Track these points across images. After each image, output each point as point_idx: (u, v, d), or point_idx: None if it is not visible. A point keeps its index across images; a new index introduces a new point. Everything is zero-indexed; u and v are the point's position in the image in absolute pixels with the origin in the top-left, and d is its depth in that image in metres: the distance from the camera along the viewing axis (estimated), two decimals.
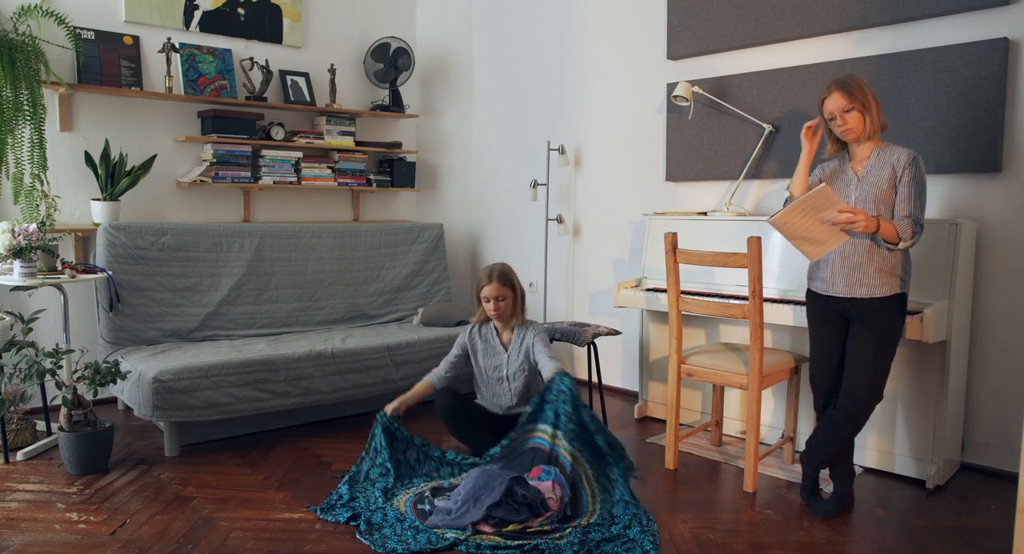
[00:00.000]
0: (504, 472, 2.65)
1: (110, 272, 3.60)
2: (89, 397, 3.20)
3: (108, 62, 3.86)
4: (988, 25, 3.03)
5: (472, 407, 3.30)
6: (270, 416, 3.56)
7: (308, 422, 3.71)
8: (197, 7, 4.18)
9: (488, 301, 3.20)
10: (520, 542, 2.37)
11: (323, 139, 4.54)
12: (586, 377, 4.21)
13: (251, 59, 4.33)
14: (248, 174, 4.26)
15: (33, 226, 3.17)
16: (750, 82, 3.70)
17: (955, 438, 3.06)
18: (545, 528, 2.47)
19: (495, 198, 5.19)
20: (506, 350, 3.26)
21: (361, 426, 3.68)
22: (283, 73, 4.48)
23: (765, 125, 3.61)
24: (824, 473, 3.03)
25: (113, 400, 3.92)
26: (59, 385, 3.01)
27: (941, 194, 3.18)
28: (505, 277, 3.20)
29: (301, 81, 4.54)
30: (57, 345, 3.20)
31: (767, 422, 3.44)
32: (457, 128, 5.31)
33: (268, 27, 4.45)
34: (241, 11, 4.34)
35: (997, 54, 2.96)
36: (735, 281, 3.44)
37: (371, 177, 4.82)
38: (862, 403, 2.63)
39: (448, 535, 2.42)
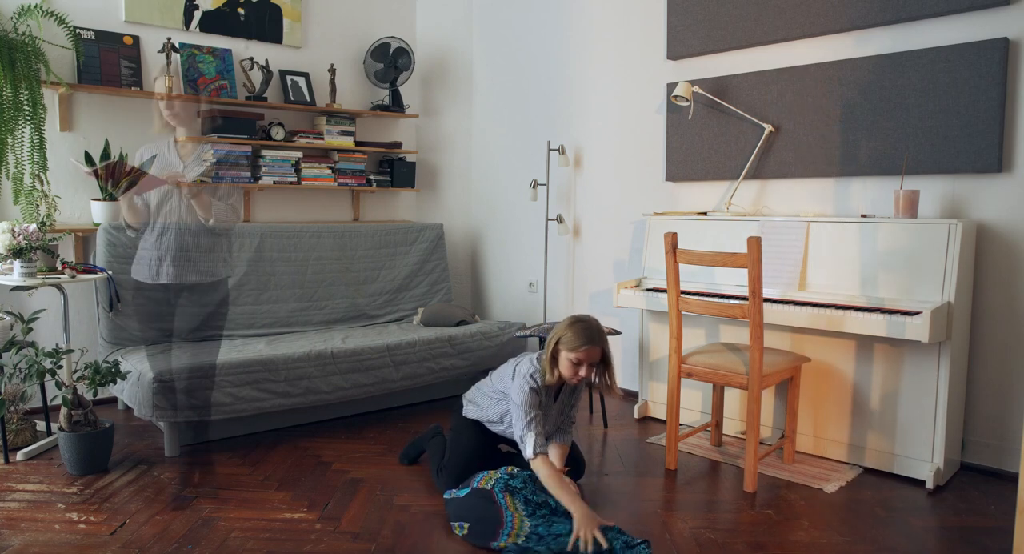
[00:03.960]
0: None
1: (110, 272, 3.60)
2: (89, 397, 3.20)
3: (108, 62, 3.86)
4: (988, 25, 3.03)
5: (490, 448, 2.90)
6: (270, 416, 3.56)
7: (308, 422, 3.71)
8: (197, 7, 4.18)
9: (579, 365, 2.56)
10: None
11: (323, 139, 4.54)
12: None
13: (251, 59, 4.33)
14: (248, 174, 4.26)
15: (33, 226, 3.17)
16: (750, 82, 3.70)
17: (955, 438, 3.06)
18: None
19: (495, 198, 5.19)
20: (554, 401, 2.77)
21: (361, 426, 3.68)
22: (283, 73, 4.48)
23: (765, 125, 3.61)
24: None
25: (113, 400, 3.92)
26: (59, 385, 3.00)
27: (941, 194, 3.18)
28: (604, 339, 2.62)
29: (301, 81, 4.54)
30: (57, 345, 3.20)
31: (767, 422, 3.44)
32: (457, 128, 5.31)
33: (268, 27, 4.44)
34: (241, 11, 4.34)
35: (997, 54, 2.96)
36: (735, 281, 3.44)
37: (371, 177, 4.82)
38: None
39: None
